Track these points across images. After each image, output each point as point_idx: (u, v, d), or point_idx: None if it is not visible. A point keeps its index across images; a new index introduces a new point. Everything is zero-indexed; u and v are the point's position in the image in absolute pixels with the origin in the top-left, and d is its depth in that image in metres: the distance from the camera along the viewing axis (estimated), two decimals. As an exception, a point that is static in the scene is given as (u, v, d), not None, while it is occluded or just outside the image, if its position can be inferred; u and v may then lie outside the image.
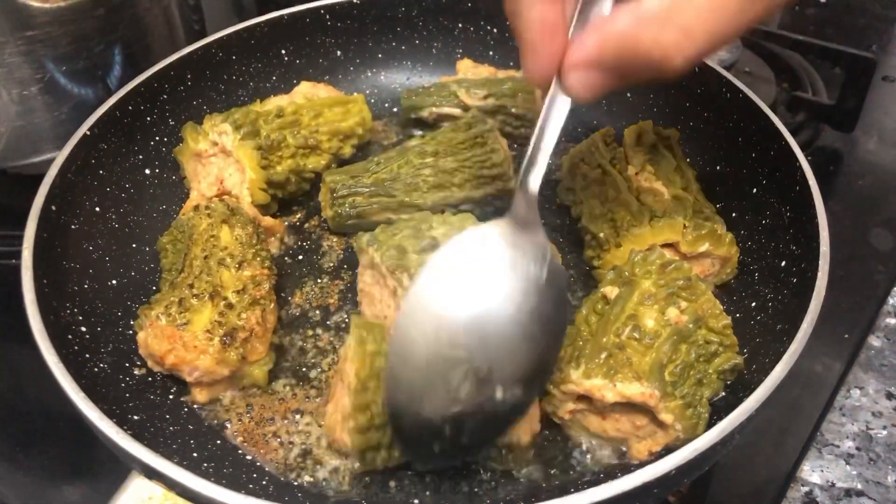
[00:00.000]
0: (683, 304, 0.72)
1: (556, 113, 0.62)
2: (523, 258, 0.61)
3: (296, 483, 0.71)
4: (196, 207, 0.85)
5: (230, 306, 0.75)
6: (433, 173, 0.91)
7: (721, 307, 0.73)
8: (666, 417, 0.67)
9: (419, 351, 0.58)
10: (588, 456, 0.72)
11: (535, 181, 0.63)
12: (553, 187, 1.00)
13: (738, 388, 0.69)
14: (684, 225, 0.82)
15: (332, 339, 0.83)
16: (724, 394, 0.73)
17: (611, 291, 0.75)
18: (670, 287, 0.73)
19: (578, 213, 0.91)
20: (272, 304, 0.80)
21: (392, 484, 0.70)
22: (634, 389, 0.67)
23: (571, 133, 1.09)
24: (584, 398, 0.70)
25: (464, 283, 0.59)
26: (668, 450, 0.60)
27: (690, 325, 0.70)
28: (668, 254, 0.80)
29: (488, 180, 0.92)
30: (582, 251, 0.90)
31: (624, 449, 0.72)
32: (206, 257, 0.79)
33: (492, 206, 0.94)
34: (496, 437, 0.65)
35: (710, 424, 0.61)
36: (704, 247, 0.82)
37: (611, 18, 0.54)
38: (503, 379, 0.59)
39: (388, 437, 0.66)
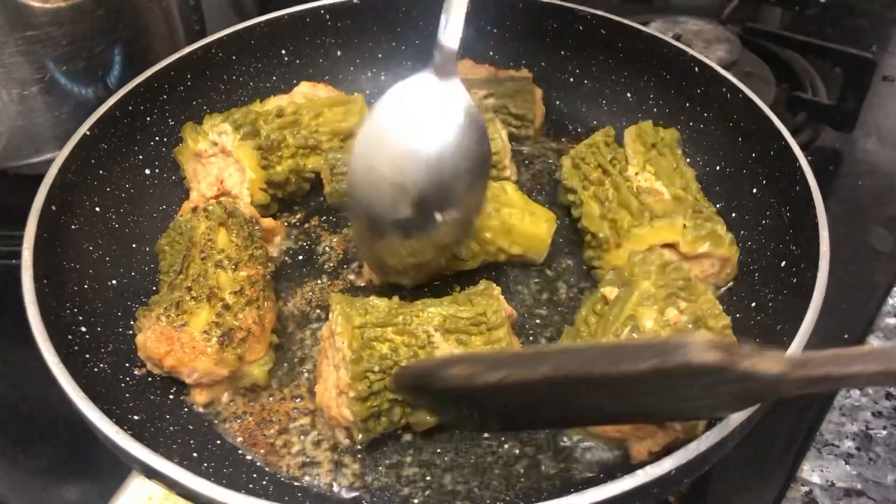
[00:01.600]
0: (683, 305, 0.72)
1: None
2: (444, 104, 0.74)
3: (296, 483, 0.71)
4: (194, 209, 0.85)
5: (227, 307, 0.75)
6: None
7: (720, 308, 0.73)
8: None
9: (367, 188, 0.73)
10: (588, 455, 0.72)
11: (451, 37, 0.74)
12: (554, 187, 1.00)
13: (738, 388, 0.69)
14: (684, 225, 0.82)
15: (332, 339, 0.84)
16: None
17: (610, 292, 0.75)
18: (669, 288, 0.73)
19: (579, 213, 0.91)
20: (270, 304, 0.80)
21: (392, 484, 0.70)
22: None
23: (572, 133, 1.09)
24: None
25: (397, 126, 0.73)
26: (667, 450, 0.60)
27: (689, 326, 0.70)
28: (669, 254, 0.79)
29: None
30: (582, 251, 0.90)
31: (619, 451, 0.72)
32: (203, 259, 0.79)
33: None
34: (442, 257, 0.79)
35: (711, 424, 0.61)
36: (704, 247, 0.82)
37: None
38: (439, 204, 0.73)
39: (385, 401, 0.69)
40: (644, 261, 0.75)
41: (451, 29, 0.74)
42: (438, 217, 0.74)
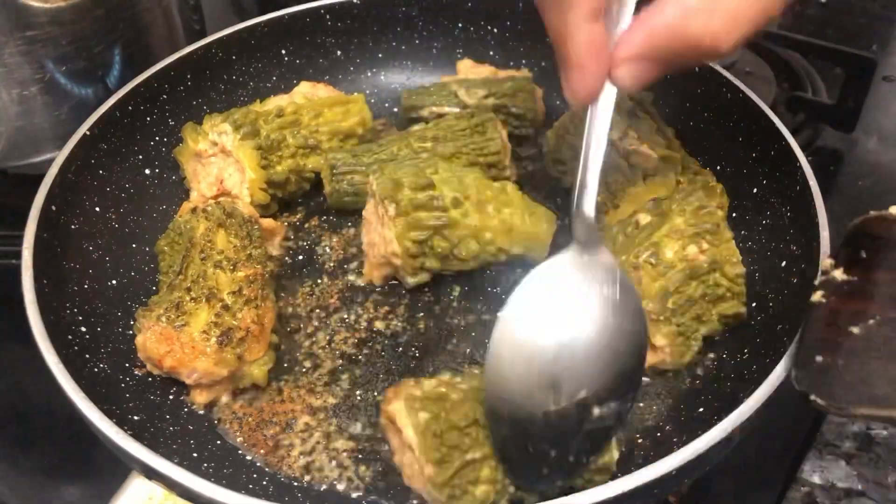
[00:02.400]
0: (705, 246, 0.77)
1: (599, 130, 0.67)
2: (595, 281, 0.64)
3: (296, 483, 0.71)
4: (193, 210, 0.85)
5: (226, 307, 0.75)
6: (430, 157, 0.92)
7: (740, 257, 0.78)
8: (658, 339, 0.74)
9: (514, 383, 0.62)
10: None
11: (589, 205, 0.67)
12: (554, 187, 1.00)
13: (739, 388, 0.69)
14: (678, 181, 0.85)
15: (331, 339, 0.83)
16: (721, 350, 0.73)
17: (643, 218, 0.80)
18: (698, 228, 0.77)
19: (570, 182, 0.92)
20: (269, 304, 0.80)
21: (392, 483, 0.70)
22: None
23: (553, 109, 1.08)
24: None
25: (545, 314, 0.63)
26: (667, 450, 0.60)
27: (705, 266, 0.76)
28: (707, 200, 0.82)
29: (484, 168, 0.93)
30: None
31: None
32: (203, 259, 0.79)
33: None
34: (599, 451, 0.66)
35: (710, 425, 0.61)
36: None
37: (656, 12, 0.59)
38: (597, 397, 0.62)
39: (474, 472, 0.64)
40: (685, 199, 0.80)
41: (589, 195, 0.67)
42: (596, 411, 0.63)
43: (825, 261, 0.68)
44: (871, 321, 0.60)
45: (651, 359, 0.76)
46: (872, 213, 0.67)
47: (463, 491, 0.63)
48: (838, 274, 0.65)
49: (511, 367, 0.62)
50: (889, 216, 0.66)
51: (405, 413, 0.65)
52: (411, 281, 0.84)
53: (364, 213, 0.89)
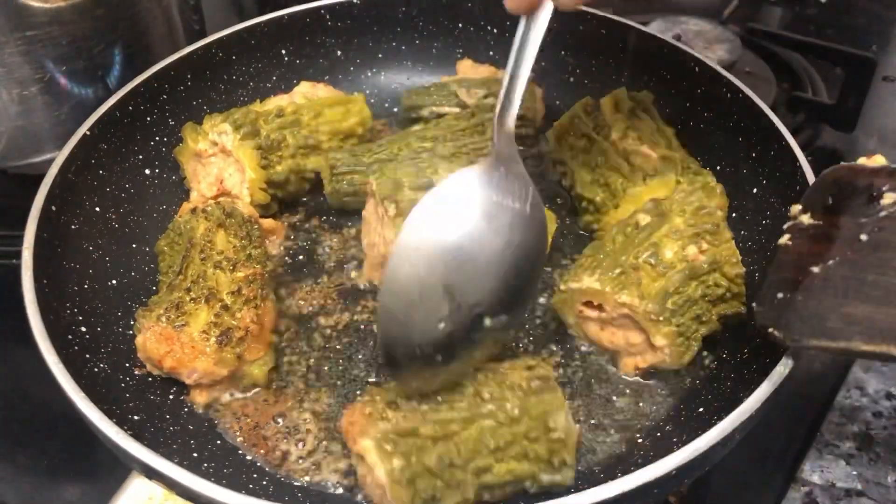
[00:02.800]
0: (705, 246, 0.77)
1: (531, 47, 0.69)
2: (507, 194, 0.65)
3: (296, 483, 0.71)
4: (193, 210, 0.85)
5: (226, 307, 0.75)
6: (430, 157, 0.92)
7: (739, 257, 0.78)
8: (658, 340, 0.74)
9: (412, 285, 0.62)
10: (589, 456, 0.72)
11: (511, 118, 0.69)
12: (555, 187, 1.00)
13: (739, 388, 0.69)
14: (677, 181, 0.85)
15: (331, 339, 0.83)
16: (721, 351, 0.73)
17: (643, 219, 0.80)
18: (698, 228, 0.77)
19: (570, 182, 0.94)
20: (269, 304, 0.80)
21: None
22: (632, 301, 0.72)
23: (553, 109, 1.09)
24: (590, 305, 0.77)
25: (452, 221, 0.63)
26: (667, 450, 0.60)
27: (705, 266, 0.76)
28: (706, 200, 0.83)
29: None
30: (576, 219, 0.94)
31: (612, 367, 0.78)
32: (203, 260, 0.79)
33: None
34: (481, 357, 0.68)
35: (710, 425, 0.61)
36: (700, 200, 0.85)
37: None
38: (491, 307, 0.64)
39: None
40: (684, 199, 0.80)
41: (513, 109, 0.69)
42: (488, 322, 0.65)
43: (794, 207, 0.72)
44: (831, 262, 0.64)
45: (651, 359, 0.76)
46: (843, 164, 0.70)
47: None
48: (805, 218, 0.70)
49: (412, 271, 0.62)
50: (856, 166, 0.68)
51: (375, 454, 0.63)
52: None
53: (364, 213, 0.89)
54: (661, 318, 0.73)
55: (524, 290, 0.67)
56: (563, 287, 0.78)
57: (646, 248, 0.76)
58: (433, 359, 0.64)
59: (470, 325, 0.64)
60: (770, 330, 0.64)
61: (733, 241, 0.79)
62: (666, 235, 0.77)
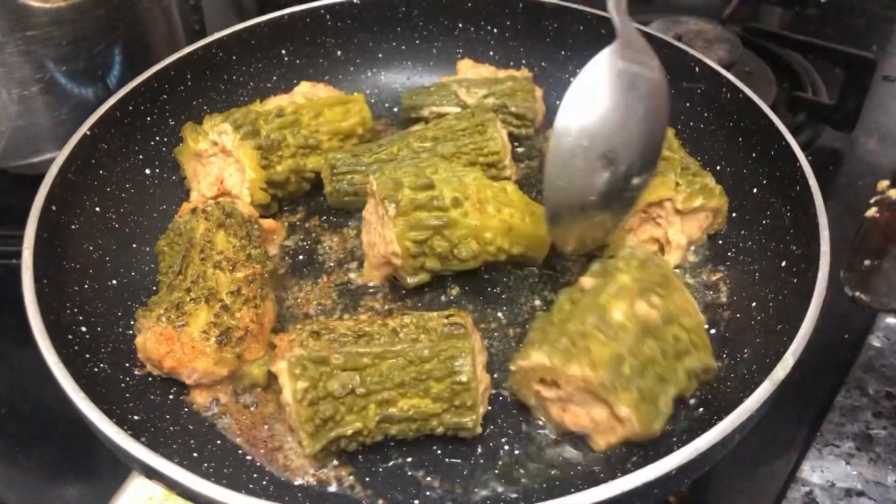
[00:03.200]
0: (655, 300, 0.72)
1: None
2: (642, 66, 0.74)
3: (296, 483, 0.71)
4: (193, 211, 0.85)
5: (225, 308, 0.75)
6: (430, 157, 0.92)
7: (696, 306, 0.75)
8: (621, 410, 0.67)
9: (576, 155, 0.72)
10: (585, 450, 0.72)
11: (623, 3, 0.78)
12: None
13: (739, 388, 0.69)
14: (677, 183, 0.84)
15: (332, 339, 0.83)
16: (706, 396, 0.73)
17: (589, 283, 0.76)
18: (645, 281, 0.74)
19: None
20: (269, 304, 0.80)
21: (392, 485, 0.70)
22: (583, 373, 0.67)
23: (553, 109, 1.08)
24: (546, 383, 0.72)
25: (603, 96, 0.72)
26: (667, 450, 0.60)
27: (659, 321, 0.71)
28: (653, 251, 0.84)
29: (484, 167, 0.93)
30: None
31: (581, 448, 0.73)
32: (202, 260, 0.79)
33: None
34: (624, 212, 0.79)
35: (710, 425, 0.61)
36: (698, 202, 0.85)
37: None
38: (638, 167, 0.75)
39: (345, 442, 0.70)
40: (629, 255, 0.78)
41: None
42: (636, 181, 0.76)
43: (881, 182, 0.80)
44: None
45: (621, 432, 0.70)
46: None
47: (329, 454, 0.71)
48: (893, 193, 0.78)
49: (574, 143, 0.72)
50: None
51: (286, 375, 0.69)
52: (411, 281, 0.84)
53: (364, 213, 0.89)
54: (618, 386, 0.67)
55: (658, 149, 0.77)
56: (513, 367, 0.73)
57: (593, 311, 0.71)
58: (592, 215, 0.76)
59: (622, 185, 0.75)
60: (857, 294, 0.72)
61: (686, 290, 0.76)
62: (613, 296, 0.72)
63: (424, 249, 0.82)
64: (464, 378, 0.69)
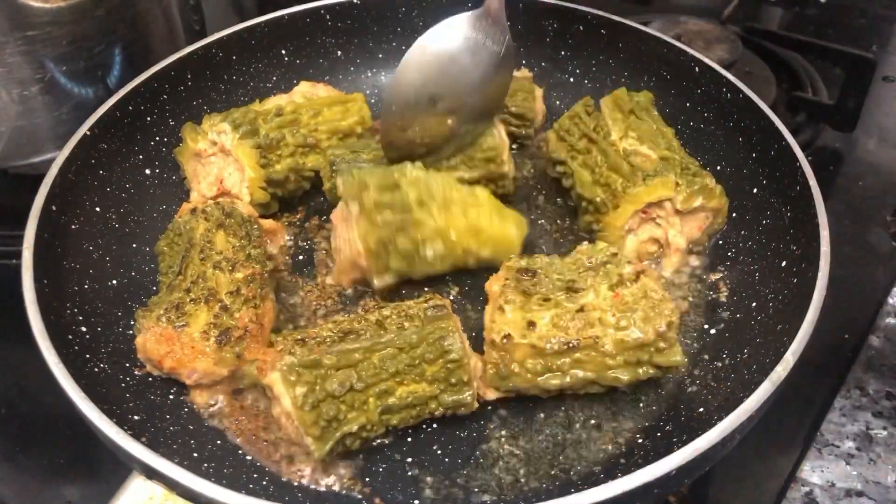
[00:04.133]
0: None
1: None
2: (488, 38, 0.88)
3: (296, 483, 0.71)
4: (193, 211, 0.85)
5: (225, 308, 0.75)
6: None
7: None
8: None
9: (409, 90, 0.87)
10: (585, 450, 0.72)
11: None
12: (555, 187, 1.00)
13: (739, 388, 0.69)
14: (677, 183, 0.85)
15: (332, 339, 0.83)
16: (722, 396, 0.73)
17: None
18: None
19: (570, 183, 0.93)
20: (269, 303, 0.80)
21: (392, 484, 0.70)
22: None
23: (553, 109, 1.10)
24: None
25: (444, 49, 0.87)
26: (667, 450, 0.60)
27: None
28: (663, 213, 0.87)
29: (481, 163, 0.93)
30: (576, 219, 0.93)
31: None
32: (202, 260, 0.79)
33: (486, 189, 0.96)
34: (448, 152, 0.93)
35: (710, 425, 0.61)
36: (698, 202, 0.85)
37: None
38: (460, 117, 0.89)
39: (352, 439, 0.70)
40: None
41: None
42: (454, 125, 0.90)
43: None
44: None
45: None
46: None
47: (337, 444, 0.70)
48: None
49: (411, 79, 0.87)
50: None
51: (281, 384, 0.68)
52: (377, 283, 0.83)
53: (332, 217, 0.88)
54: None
55: (485, 114, 0.92)
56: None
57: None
58: (418, 146, 0.89)
59: (449, 128, 0.89)
60: None
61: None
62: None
63: (388, 248, 0.81)
64: (455, 356, 0.70)
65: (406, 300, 0.78)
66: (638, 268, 0.75)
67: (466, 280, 0.88)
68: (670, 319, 0.71)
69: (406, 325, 0.72)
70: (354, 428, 0.69)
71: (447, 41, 0.87)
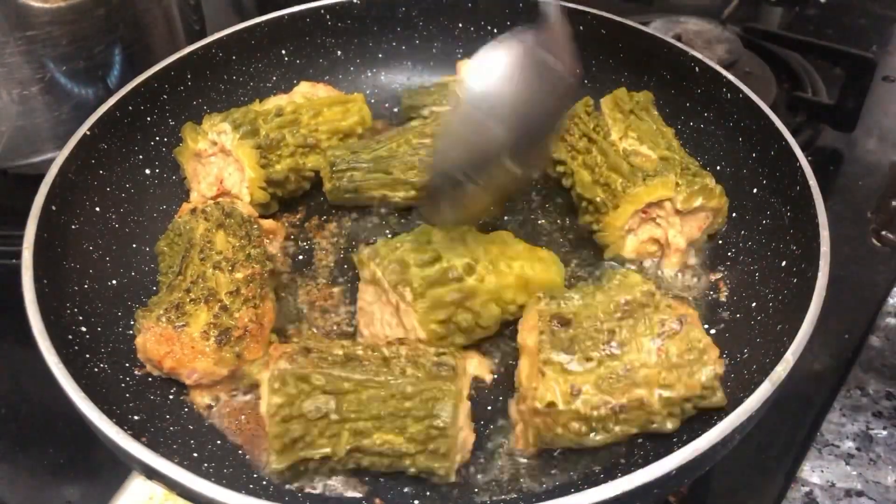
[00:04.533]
0: None
1: None
2: (560, 64, 0.73)
3: (296, 483, 0.70)
4: (192, 211, 0.85)
5: (224, 308, 0.75)
6: (430, 153, 0.92)
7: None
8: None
9: (469, 129, 0.71)
10: (585, 450, 0.72)
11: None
12: (554, 188, 1.00)
13: (739, 388, 0.69)
14: (677, 183, 0.84)
15: (331, 338, 0.83)
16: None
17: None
18: None
19: (570, 182, 0.93)
20: (269, 304, 0.80)
21: (393, 484, 0.70)
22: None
23: None
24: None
25: (507, 77, 0.71)
26: (667, 450, 0.60)
27: None
28: (663, 213, 0.87)
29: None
30: (576, 219, 0.93)
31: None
32: (202, 260, 0.79)
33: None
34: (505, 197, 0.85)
35: (710, 425, 0.61)
36: (698, 202, 0.85)
37: None
38: (517, 154, 0.72)
39: (314, 465, 0.68)
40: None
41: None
42: (508, 164, 0.73)
43: None
44: None
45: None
46: None
47: (298, 473, 0.69)
48: None
49: (474, 109, 0.70)
50: None
51: (266, 387, 0.68)
52: None
53: (360, 303, 0.81)
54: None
55: (542, 144, 0.79)
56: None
57: None
58: (464, 185, 0.72)
59: (496, 161, 0.72)
60: (883, 233, 0.81)
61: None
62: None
63: (450, 328, 0.76)
64: (441, 423, 0.65)
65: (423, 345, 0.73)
66: (678, 312, 0.71)
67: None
68: (716, 371, 0.68)
69: (409, 371, 0.68)
70: (318, 455, 0.67)
71: (517, 62, 0.71)
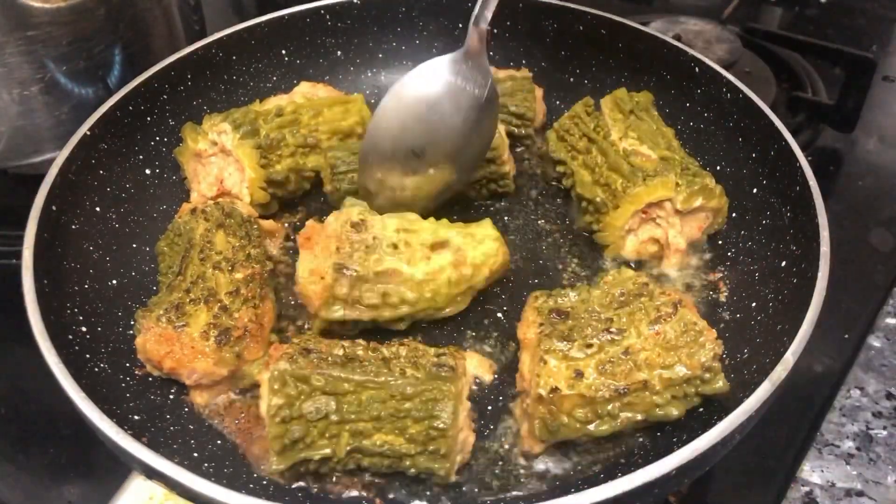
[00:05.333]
0: None
1: None
2: (469, 82, 0.84)
3: (296, 483, 0.70)
4: (192, 211, 0.85)
5: (224, 308, 0.75)
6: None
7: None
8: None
9: (386, 142, 0.84)
10: (585, 450, 0.72)
11: (485, 19, 0.84)
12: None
13: (739, 388, 0.69)
14: (677, 183, 0.84)
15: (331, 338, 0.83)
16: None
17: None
18: None
19: (570, 183, 0.93)
20: (269, 304, 0.80)
21: (393, 484, 0.70)
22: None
23: (553, 109, 1.10)
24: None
25: (423, 97, 0.84)
26: (667, 450, 0.60)
27: None
28: (663, 213, 0.87)
29: (482, 163, 0.93)
30: (576, 219, 0.94)
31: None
32: (202, 260, 0.79)
33: (486, 189, 0.97)
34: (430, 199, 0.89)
35: (710, 425, 0.61)
36: (698, 202, 0.85)
37: None
38: (443, 167, 0.86)
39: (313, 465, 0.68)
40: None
41: (489, 10, 0.84)
42: (433, 172, 0.86)
43: None
44: None
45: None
46: None
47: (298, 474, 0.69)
48: None
49: (387, 133, 0.84)
50: None
51: (266, 387, 0.68)
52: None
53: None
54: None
55: (475, 157, 0.89)
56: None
57: None
58: (398, 193, 0.86)
59: (431, 181, 0.86)
60: None
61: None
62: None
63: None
64: (441, 424, 0.66)
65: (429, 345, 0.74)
66: (672, 298, 0.72)
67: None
68: (714, 351, 0.68)
69: (409, 372, 0.68)
70: (317, 456, 0.67)
71: (425, 86, 0.83)
